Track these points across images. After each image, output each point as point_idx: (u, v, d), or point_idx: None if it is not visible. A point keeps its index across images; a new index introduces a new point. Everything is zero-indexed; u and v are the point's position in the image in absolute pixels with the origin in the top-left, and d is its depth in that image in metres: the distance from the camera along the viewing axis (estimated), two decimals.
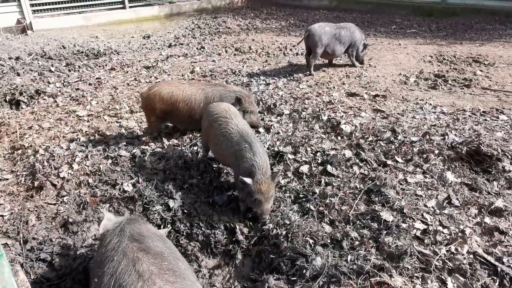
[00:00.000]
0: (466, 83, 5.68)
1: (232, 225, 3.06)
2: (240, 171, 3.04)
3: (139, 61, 7.69)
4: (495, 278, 2.31)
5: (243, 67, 7.09)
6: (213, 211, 3.25)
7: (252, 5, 14.67)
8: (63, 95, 6.00)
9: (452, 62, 6.76)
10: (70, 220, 3.22)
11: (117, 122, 5.06)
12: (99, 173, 3.81)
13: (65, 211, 3.36)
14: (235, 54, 8.11)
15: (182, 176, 3.67)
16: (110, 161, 4.01)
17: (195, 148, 4.20)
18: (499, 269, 2.34)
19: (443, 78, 5.94)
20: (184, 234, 3.05)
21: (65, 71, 7.17)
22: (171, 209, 3.26)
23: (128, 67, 7.36)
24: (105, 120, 5.13)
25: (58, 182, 3.70)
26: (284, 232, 2.84)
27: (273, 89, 5.88)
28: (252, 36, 9.65)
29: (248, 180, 2.90)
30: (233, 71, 6.81)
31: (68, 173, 3.82)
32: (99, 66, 7.46)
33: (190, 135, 4.49)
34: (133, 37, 10.09)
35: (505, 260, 2.40)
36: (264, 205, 2.95)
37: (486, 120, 4.41)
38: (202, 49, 8.46)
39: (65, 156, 4.14)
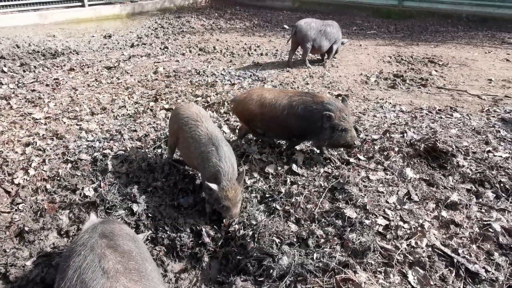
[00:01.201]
0: (423, 83, 5.93)
1: (198, 227, 3.02)
2: (205, 175, 3.01)
3: (100, 62, 7.45)
4: (451, 269, 2.42)
5: (207, 67, 7.03)
6: (178, 214, 3.20)
7: (216, 5, 14.59)
8: (17, 96, 5.70)
9: (410, 62, 7.04)
10: (26, 228, 3.06)
11: (77, 124, 4.87)
12: (58, 178, 3.65)
13: (21, 219, 3.19)
14: (199, 54, 8.04)
15: (146, 179, 3.59)
16: (69, 165, 3.86)
17: (159, 150, 4.11)
18: (455, 260, 2.45)
19: (402, 78, 6.17)
20: (149, 238, 2.99)
21: (20, 71, 6.81)
22: (135, 213, 3.18)
23: (88, 67, 7.11)
24: (64, 122, 4.92)
25: (12, 188, 3.51)
26: (250, 233, 2.84)
27: (238, 89, 5.87)
28: (216, 36, 9.59)
29: (214, 187, 2.87)
30: (198, 71, 6.74)
31: (24, 179, 3.63)
32: (57, 67, 7.14)
33: (154, 137, 4.39)
34: (93, 36, 9.75)
35: (460, 251, 2.52)
36: (232, 210, 2.95)
37: (441, 118, 4.63)
38: (165, 49, 8.31)
39: (20, 161, 3.93)
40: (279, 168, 3.62)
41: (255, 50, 8.29)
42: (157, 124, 4.81)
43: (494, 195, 3.12)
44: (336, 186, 3.27)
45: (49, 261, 2.76)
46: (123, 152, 4.04)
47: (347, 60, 7.33)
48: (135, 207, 3.21)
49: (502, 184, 3.21)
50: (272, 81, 6.24)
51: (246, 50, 8.28)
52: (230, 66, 7.13)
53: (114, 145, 4.23)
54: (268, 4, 14.25)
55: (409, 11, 11.29)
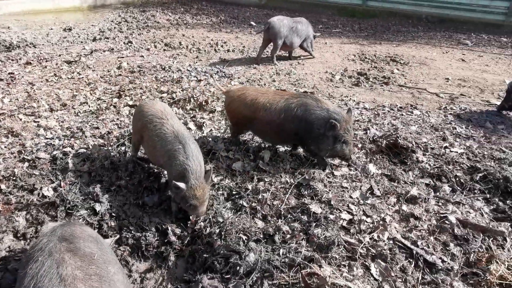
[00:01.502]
0: (385, 81, 6.12)
1: (164, 226, 2.97)
2: (172, 173, 2.96)
3: (60, 56, 7.14)
4: (411, 260, 2.52)
5: (173, 63, 6.91)
6: (143, 213, 3.14)
7: (182, 0, 14.35)
8: None
9: (373, 60, 7.24)
10: None
11: (34, 121, 4.65)
12: (14, 178, 3.47)
13: None
14: (164, 50, 7.88)
15: (109, 178, 3.49)
16: (26, 164, 3.68)
17: (123, 148, 4.01)
18: (414, 252, 2.56)
19: (365, 76, 6.34)
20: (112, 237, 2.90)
21: None
22: (97, 213, 3.08)
23: (46, 61, 6.80)
24: (20, 119, 4.69)
25: None
26: (217, 230, 2.83)
27: (204, 85, 5.81)
28: (182, 32, 9.44)
29: (182, 185, 2.83)
30: (163, 67, 6.62)
31: None
32: (12, 60, 6.78)
33: (117, 134, 4.27)
34: (51, 29, 9.33)
35: (419, 243, 2.63)
36: (199, 209, 2.93)
37: (402, 115, 4.80)
38: (129, 44, 8.09)
39: None
40: (246, 165, 3.62)
41: (222, 46, 8.23)
42: (120, 121, 4.68)
43: (450, 188, 3.28)
44: (302, 182, 3.32)
45: (5, 265, 2.62)
46: (84, 150, 3.90)
47: (313, 58, 7.43)
48: (97, 207, 3.11)
49: (457, 178, 3.38)
50: (239, 77, 6.23)
51: (213, 46, 8.22)
52: (196, 62, 7.05)
53: (75, 142, 4.07)
54: (235, 0, 14.19)
55: (372, 10, 11.60)
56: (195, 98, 5.24)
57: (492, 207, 3.08)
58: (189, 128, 4.42)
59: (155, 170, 3.63)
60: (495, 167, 3.44)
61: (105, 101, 5.24)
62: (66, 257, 1.82)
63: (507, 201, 3.12)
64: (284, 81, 6.11)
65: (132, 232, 2.94)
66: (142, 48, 7.89)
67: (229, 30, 9.90)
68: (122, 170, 3.57)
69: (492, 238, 2.64)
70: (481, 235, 2.67)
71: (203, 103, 5.08)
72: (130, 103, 5.18)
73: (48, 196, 3.23)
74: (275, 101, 3.54)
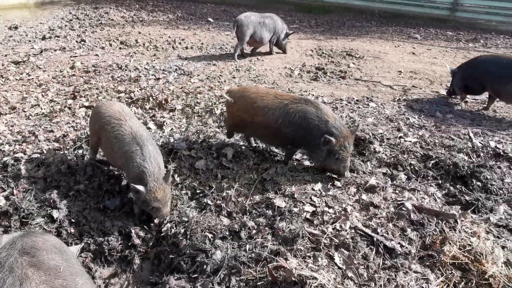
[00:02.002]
0: (342, 75, 6.29)
1: (127, 229, 2.91)
2: (130, 176, 2.90)
3: (6, 56, 6.74)
4: (372, 247, 2.63)
5: (130, 61, 6.73)
6: (105, 217, 3.05)
7: None
8: None
9: (330, 55, 7.42)
10: None
11: None
12: None
13: None
14: (120, 48, 7.65)
15: (67, 183, 3.35)
16: None
17: (81, 151, 3.86)
18: (375, 239, 2.67)
19: (323, 71, 6.49)
20: (72, 244, 2.80)
21: None
22: (55, 220, 2.96)
23: None
24: None
25: None
26: (182, 230, 2.81)
27: (163, 84, 5.71)
28: (138, 29, 9.20)
29: (141, 188, 2.77)
30: (119, 65, 6.42)
31: None
32: None
33: (74, 137, 4.11)
34: None
35: (379, 230, 2.74)
36: (162, 210, 2.89)
37: (359, 107, 4.96)
38: (82, 43, 7.78)
39: None
40: (209, 163, 3.61)
41: (179, 43, 8.11)
42: (76, 123, 4.50)
43: (406, 176, 3.45)
44: (266, 177, 3.36)
45: None
46: (38, 155, 3.72)
47: (272, 54, 7.50)
48: (55, 214, 2.99)
49: (412, 166, 3.55)
50: (198, 75, 6.17)
51: (171, 43, 8.07)
52: (154, 60, 6.90)
53: (28, 147, 3.88)
54: None
55: (328, 6, 11.86)
56: (154, 97, 5.14)
57: (444, 192, 3.27)
58: (149, 128, 4.34)
59: (116, 173, 3.53)
60: (445, 154, 3.65)
61: (58, 103, 5.02)
62: (29, 273, 1.71)
63: (457, 186, 3.32)
64: (244, 78, 6.12)
65: (94, 237, 2.85)
66: (96, 46, 7.61)
67: (186, 27, 9.76)
68: (80, 174, 3.44)
69: (445, 221, 2.80)
70: (435, 219, 2.83)
71: (163, 102, 4.99)
72: (86, 104, 5.00)
73: (0, 206, 3.05)
74: (274, 105, 3.42)
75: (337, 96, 5.44)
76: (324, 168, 3.39)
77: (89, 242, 2.82)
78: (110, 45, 7.77)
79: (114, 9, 11.32)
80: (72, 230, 2.91)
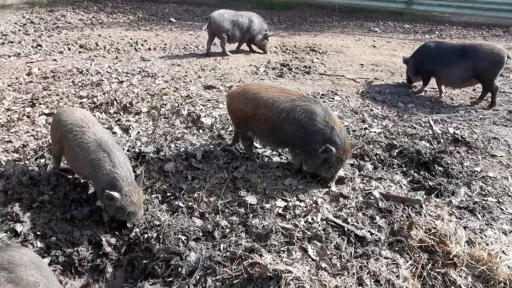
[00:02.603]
0: (307, 70, 6.38)
1: (97, 238, 2.83)
2: (100, 184, 2.82)
3: None
4: (344, 237, 2.69)
5: (91, 65, 6.52)
6: (73, 227, 2.96)
7: None
8: None
9: (294, 51, 7.51)
10: None
11: None
12: None
13: None
14: (80, 52, 7.40)
15: (30, 194, 3.22)
16: None
17: (43, 160, 3.71)
18: (346, 229, 2.73)
19: (288, 67, 6.56)
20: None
21: None
22: (19, 234, 2.83)
23: None
24: None
25: None
26: (155, 234, 2.77)
27: (127, 86, 5.58)
28: (98, 32, 8.93)
29: (115, 195, 2.71)
30: (80, 70, 6.21)
31: None
32: None
33: (34, 146, 3.94)
34: None
35: (349, 220, 2.81)
36: (138, 214, 2.86)
37: (325, 101, 5.05)
38: (39, 47, 7.46)
39: None
40: (179, 164, 3.57)
41: (142, 45, 7.95)
42: (37, 131, 4.32)
43: (373, 166, 3.55)
44: (237, 175, 3.36)
45: None
46: None
47: (237, 52, 7.49)
48: (19, 227, 2.86)
49: (378, 156, 3.66)
50: (163, 76, 6.08)
51: (133, 45, 7.90)
52: (116, 63, 6.72)
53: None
54: None
55: (289, 2, 11.98)
56: (118, 101, 5.01)
57: (409, 178, 3.40)
58: (114, 133, 4.23)
59: (82, 181, 3.42)
60: (408, 142, 3.79)
61: (16, 112, 4.79)
62: None
63: (421, 172, 3.46)
64: (210, 77, 6.09)
65: (63, 248, 2.77)
66: (54, 51, 7.33)
67: (148, 28, 9.58)
68: (44, 184, 3.31)
69: (411, 207, 2.92)
70: (402, 205, 2.93)
71: (128, 105, 4.88)
72: (46, 111, 4.80)
73: None
74: (280, 98, 3.29)
75: (303, 91, 5.51)
76: (315, 172, 3.30)
77: (57, 254, 2.73)
78: (69, 49, 7.50)
79: (71, 12, 10.93)
80: (39, 244, 2.80)
